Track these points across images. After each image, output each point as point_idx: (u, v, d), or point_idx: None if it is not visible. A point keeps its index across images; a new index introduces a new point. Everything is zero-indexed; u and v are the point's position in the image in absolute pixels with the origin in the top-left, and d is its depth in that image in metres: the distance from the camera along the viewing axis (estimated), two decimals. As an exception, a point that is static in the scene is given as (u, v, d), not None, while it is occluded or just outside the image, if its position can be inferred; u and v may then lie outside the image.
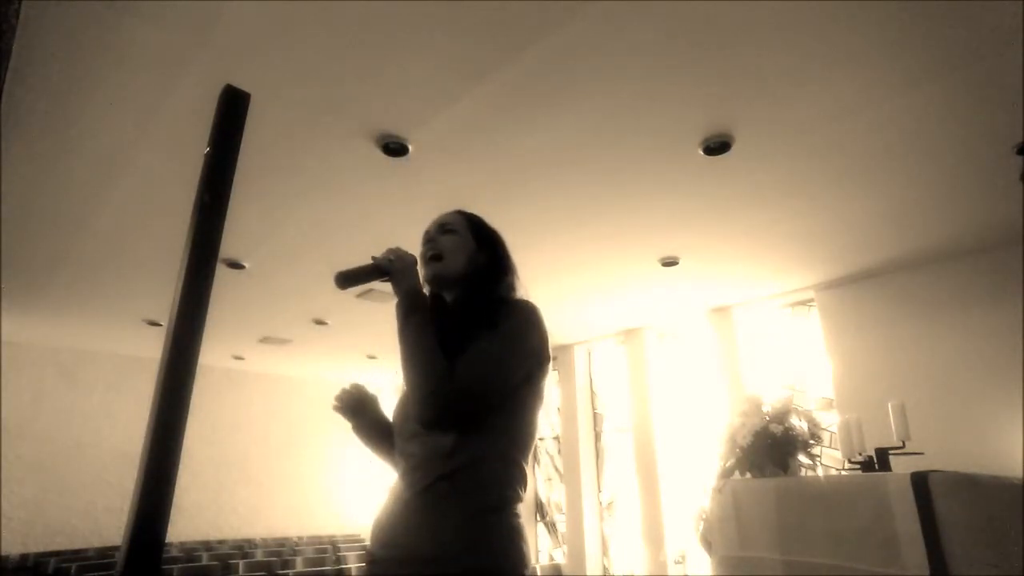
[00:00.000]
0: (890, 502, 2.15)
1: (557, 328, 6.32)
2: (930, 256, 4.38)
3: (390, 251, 1.29)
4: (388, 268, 1.27)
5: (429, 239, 1.36)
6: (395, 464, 1.27)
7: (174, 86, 2.49)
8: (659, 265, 4.52)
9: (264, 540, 7.25)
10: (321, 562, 5.71)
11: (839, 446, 3.00)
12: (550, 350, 1.27)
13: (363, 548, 6.67)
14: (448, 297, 1.37)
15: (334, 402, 1.39)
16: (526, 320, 1.24)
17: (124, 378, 7.05)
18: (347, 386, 1.41)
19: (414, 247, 1.37)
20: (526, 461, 1.21)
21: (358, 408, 1.39)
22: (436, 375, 1.14)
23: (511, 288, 1.36)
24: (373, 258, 1.28)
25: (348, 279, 1.24)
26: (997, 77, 2.46)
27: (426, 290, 1.32)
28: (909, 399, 2.99)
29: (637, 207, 3.62)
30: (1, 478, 6.10)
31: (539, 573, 5.43)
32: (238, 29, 2.20)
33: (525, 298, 1.33)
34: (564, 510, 6.64)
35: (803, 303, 5.38)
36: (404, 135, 2.86)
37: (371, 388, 1.44)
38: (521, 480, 1.19)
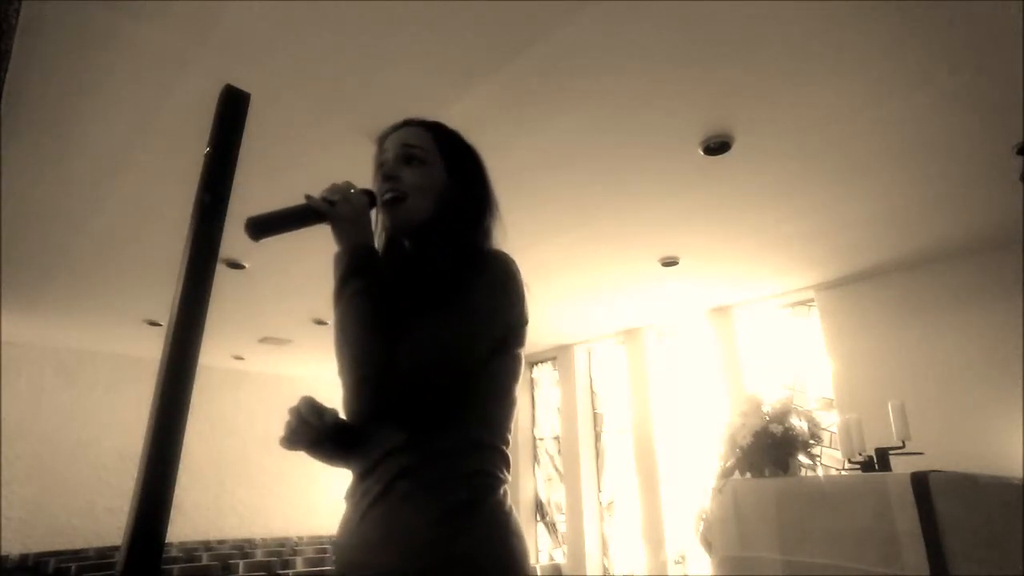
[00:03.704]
0: (890, 502, 2.15)
1: (557, 328, 6.32)
2: (930, 256, 4.38)
3: (333, 188, 1.00)
4: (327, 213, 0.97)
5: (389, 174, 1.05)
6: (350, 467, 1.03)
7: (174, 86, 2.49)
8: (659, 265, 4.51)
9: (264, 540, 7.25)
10: (321, 562, 5.71)
11: (839, 446, 3.00)
12: (527, 314, 1.03)
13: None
14: (410, 243, 1.09)
15: (283, 440, 0.98)
16: (493, 282, 0.99)
17: (124, 378, 7.05)
18: (297, 409, 0.97)
19: None
20: (504, 444, 0.99)
21: (310, 433, 0.97)
22: (371, 357, 0.90)
23: (487, 234, 1.08)
24: (308, 198, 0.98)
25: (266, 227, 0.92)
26: (997, 77, 2.46)
27: (379, 240, 1.08)
28: (909, 399, 2.99)
29: (637, 207, 3.62)
30: (1, 478, 6.10)
31: (539, 573, 5.43)
32: (238, 29, 2.20)
33: (498, 250, 1.06)
34: (564, 510, 6.63)
35: (803, 303, 5.38)
36: (404, 135, 2.86)
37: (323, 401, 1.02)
38: (500, 463, 0.97)
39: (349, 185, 1.01)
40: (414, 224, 1.05)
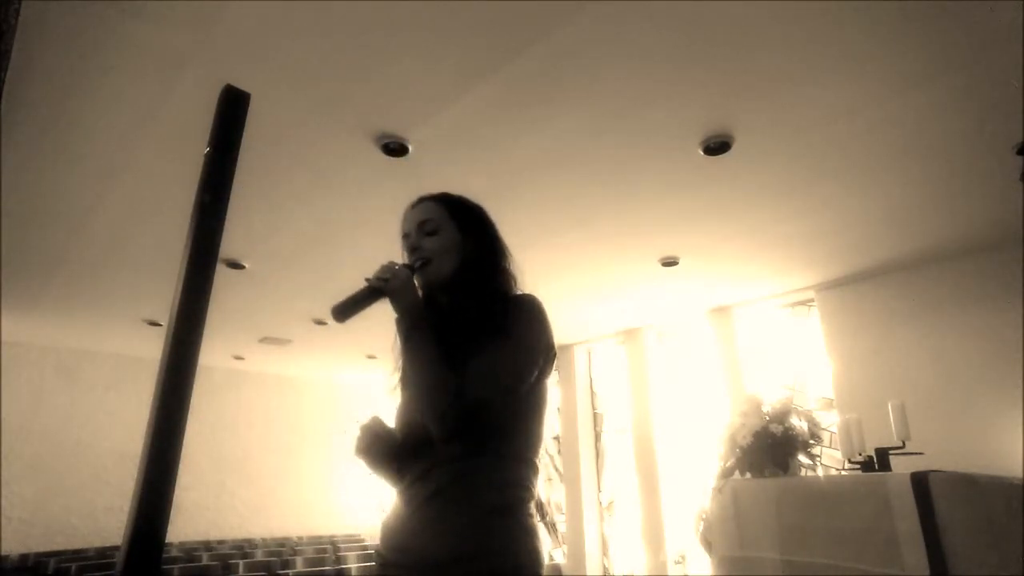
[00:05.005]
0: (890, 502, 2.15)
1: (557, 328, 6.30)
2: (930, 256, 4.38)
3: (383, 269, 1.25)
4: (384, 289, 1.23)
5: (413, 247, 1.31)
6: (400, 474, 1.24)
7: (174, 86, 2.49)
8: (659, 265, 4.51)
9: (264, 540, 7.25)
10: (321, 562, 5.71)
11: (839, 446, 3.00)
12: (555, 345, 1.27)
13: (363, 548, 6.66)
14: (444, 297, 1.32)
15: (355, 451, 1.27)
16: (531, 320, 1.23)
17: (124, 378, 7.05)
18: (365, 423, 1.28)
19: None
20: (538, 457, 1.23)
21: (381, 447, 1.27)
22: (446, 393, 1.12)
23: (508, 277, 1.33)
24: (367, 280, 1.25)
25: (346, 310, 1.20)
26: (997, 77, 2.45)
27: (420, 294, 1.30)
28: (909, 399, 2.99)
29: (637, 207, 3.62)
30: (1, 478, 6.10)
31: (539, 573, 5.43)
32: (238, 29, 2.20)
33: (525, 292, 1.31)
34: (564, 510, 6.63)
35: (803, 303, 5.38)
36: (404, 135, 2.86)
37: (386, 421, 1.31)
38: (533, 477, 1.22)
39: (393, 263, 1.26)
40: (443, 279, 1.29)
